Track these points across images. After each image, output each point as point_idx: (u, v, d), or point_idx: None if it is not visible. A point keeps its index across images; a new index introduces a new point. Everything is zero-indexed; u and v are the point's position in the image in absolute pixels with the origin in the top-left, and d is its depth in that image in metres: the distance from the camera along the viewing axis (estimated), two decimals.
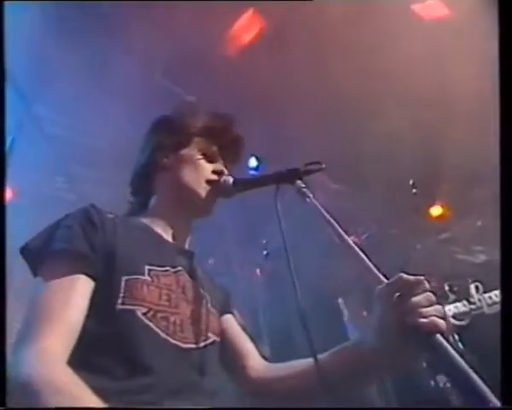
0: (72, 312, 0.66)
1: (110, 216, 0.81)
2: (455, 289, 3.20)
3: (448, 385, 2.85)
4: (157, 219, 0.91)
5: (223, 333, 0.89)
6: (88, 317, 0.68)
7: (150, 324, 0.70)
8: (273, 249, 3.98)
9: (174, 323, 0.73)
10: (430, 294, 0.57)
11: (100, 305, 0.69)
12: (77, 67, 2.61)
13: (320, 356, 0.67)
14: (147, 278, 0.74)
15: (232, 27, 2.98)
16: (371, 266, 0.64)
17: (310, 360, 0.75)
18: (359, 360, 0.70)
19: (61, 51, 2.53)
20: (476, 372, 0.48)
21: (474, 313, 3.20)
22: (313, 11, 2.68)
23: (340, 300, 3.28)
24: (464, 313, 3.13)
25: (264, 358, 0.90)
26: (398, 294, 0.59)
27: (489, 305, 3.24)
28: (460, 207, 4.16)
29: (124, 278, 0.72)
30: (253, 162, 3.27)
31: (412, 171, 3.74)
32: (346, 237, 0.69)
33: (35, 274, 0.73)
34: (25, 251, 0.75)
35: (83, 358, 0.65)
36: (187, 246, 0.95)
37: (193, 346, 0.75)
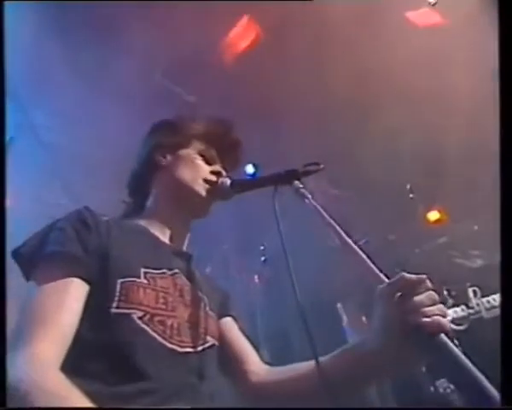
0: (65, 316, 0.65)
1: (104, 218, 0.80)
2: (453, 293, 3.20)
3: (448, 391, 2.84)
4: (154, 221, 0.90)
5: (222, 336, 0.88)
6: (82, 321, 0.67)
7: (146, 328, 0.68)
8: (271, 256, 3.97)
9: (171, 327, 0.72)
10: (432, 292, 0.56)
11: (94, 309, 0.68)
12: (75, 71, 2.60)
13: (321, 359, 0.66)
14: (143, 280, 0.73)
15: (232, 28, 3.00)
16: (372, 266, 0.63)
17: (311, 363, 0.74)
18: (361, 361, 0.69)
19: (58, 55, 2.53)
20: (482, 372, 0.47)
21: (472, 317, 3.20)
22: (311, 12, 2.70)
23: (338, 305, 3.26)
24: (463, 318, 3.12)
25: (265, 362, 0.88)
26: (399, 293, 0.58)
27: (487, 309, 3.24)
28: (457, 212, 4.17)
29: (119, 281, 0.70)
30: (250, 169, 3.28)
31: (410, 176, 3.76)
32: (346, 237, 0.68)
33: (27, 278, 0.71)
34: (17, 255, 0.73)
35: (76, 363, 0.63)
36: (185, 248, 0.93)
37: (191, 350, 0.73)
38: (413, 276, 0.57)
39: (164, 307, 0.73)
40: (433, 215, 4.45)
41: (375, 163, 3.43)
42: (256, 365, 0.87)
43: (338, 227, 0.70)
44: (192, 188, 0.90)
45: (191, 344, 0.74)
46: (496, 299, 3.25)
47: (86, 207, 0.79)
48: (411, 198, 4.08)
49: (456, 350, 0.50)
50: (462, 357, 0.49)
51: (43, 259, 0.69)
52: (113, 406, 0.59)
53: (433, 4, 3.17)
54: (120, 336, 0.67)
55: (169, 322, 0.72)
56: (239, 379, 0.86)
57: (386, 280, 0.61)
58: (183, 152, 0.95)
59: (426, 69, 2.98)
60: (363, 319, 3.12)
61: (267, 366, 0.87)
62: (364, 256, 0.64)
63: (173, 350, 0.70)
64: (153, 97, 2.70)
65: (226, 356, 0.87)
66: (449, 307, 3.09)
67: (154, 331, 0.69)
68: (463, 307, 3.24)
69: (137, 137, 1.04)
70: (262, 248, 4.17)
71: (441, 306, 0.56)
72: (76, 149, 2.99)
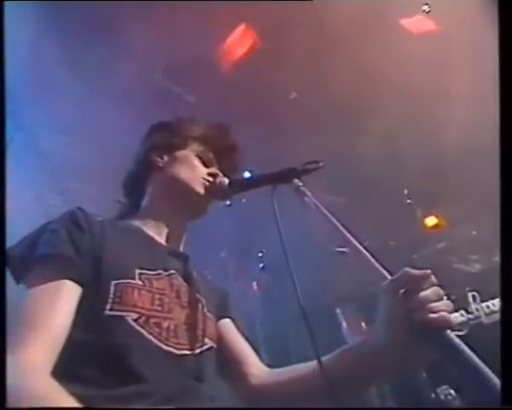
0: (57, 318, 0.63)
1: (98, 219, 0.78)
2: (452, 298, 3.18)
3: (449, 397, 2.81)
4: (149, 221, 0.88)
5: (220, 338, 0.85)
6: (75, 324, 0.64)
7: (142, 330, 0.66)
8: (269, 262, 3.95)
9: (167, 329, 0.69)
10: (438, 288, 0.55)
11: (87, 311, 0.66)
12: (73, 71, 2.60)
13: (323, 358, 0.64)
14: (138, 282, 0.71)
15: (233, 29, 3.02)
16: (374, 262, 0.61)
17: (311, 364, 0.72)
18: (365, 359, 0.67)
19: (57, 55, 2.52)
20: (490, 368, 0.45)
21: (472, 322, 3.18)
22: (310, 14, 2.72)
23: (338, 310, 3.24)
24: (462, 324, 3.10)
25: (265, 364, 0.86)
26: (403, 290, 0.56)
27: (487, 314, 3.23)
28: (455, 217, 4.18)
29: (113, 283, 0.68)
30: (247, 175, 3.27)
31: (408, 180, 3.77)
32: (347, 234, 0.67)
33: (17, 281, 0.69)
34: (7, 258, 0.70)
35: (69, 367, 0.61)
36: (181, 249, 0.91)
37: (188, 352, 0.71)
38: (417, 271, 0.56)
39: (160, 308, 0.71)
40: (431, 221, 4.45)
41: (374, 168, 3.44)
42: (256, 367, 0.84)
43: (339, 224, 0.69)
44: (190, 186, 0.88)
45: (188, 347, 0.72)
46: (495, 304, 3.24)
47: (79, 208, 0.77)
48: (409, 204, 4.09)
49: (464, 346, 0.49)
50: (470, 353, 0.48)
51: (34, 261, 0.67)
52: (107, 409, 0.57)
53: (427, 12, 3.22)
54: (114, 339, 0.64)
55: (165, 324, 0.70)
56: (239, 382, 0.83)
57: (389, 277, 0.59)
58: (180, 153, 0.94)
59: (424, 73, 3.01)
60: (363, 324, 3.09)
61: (267, 368, 0.85)
62: (367, 253, 0.63)
63: (170, 353, 0.68)
64: (152, 98, 2.70)
65: (225, 358, 0.85)
66: None
67: (150, 334, 0.67)
68: (463, 312, 3.23)
69: (136, 138, 1.03)
70: (260, 255, 4.15)
71: (447, 301, 0.54)
72: (76, 149, 2.98)
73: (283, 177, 0.81)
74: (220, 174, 0.93)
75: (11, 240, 0.71)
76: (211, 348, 0.79)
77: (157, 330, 0.68)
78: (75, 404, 0.54)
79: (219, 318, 0.89)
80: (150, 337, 0.67)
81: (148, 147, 0.96)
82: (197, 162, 0.93)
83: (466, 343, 0.50)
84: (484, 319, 3.23)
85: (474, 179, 3.43)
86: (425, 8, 3.20)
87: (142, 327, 0.67)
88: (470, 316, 3.24)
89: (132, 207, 0.95)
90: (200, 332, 0.77)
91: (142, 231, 0.85)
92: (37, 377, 0.57)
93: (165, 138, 0.96)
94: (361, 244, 0.64)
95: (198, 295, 0.83)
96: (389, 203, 3.82)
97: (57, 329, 0.62)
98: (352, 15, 2.76)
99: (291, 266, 0.67)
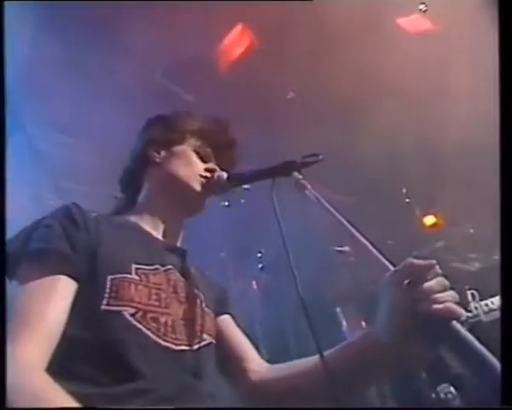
0: (51, 314, 0.61)
1: (93, 214, 0.77)
2: None
3: (450, 396, 2.80)
4: (146, 216, 0.87)
5: (219, 334, 0.84)
6: (70, 320, 0.63)
7: (139, 325, 0.65)
8: (268, 263, 3.94)
9: (165, 324, 0.68)
10: (443, 278, 0.53)
11: (83, 307, 0.64)
12: (73, 71, 2.59)
13: (325, 353, 0.63)
14: (134, 276, 0.69)
15: (232, 28, 3.02)
16: (377, 253, 0.60)
17: (312, 359, 0.71)
18: (368, 353, 0.65)
19: (56, 55, 2.51)
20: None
21: (471, 320, 3.17)
22: (309, 14, 2.72)
23: (338, 309, 3.22)
24: (462, 322, 3.09)
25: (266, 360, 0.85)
26: (407, 280, 0.55)
27: (486, 312, 3.22)
28: (453, 215, 4.18)
29: (109, 278, 0.67)
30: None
31: (407, 179, 3.77)
32: (348, 225, 0.66)
33: (9, 278, 0.67)
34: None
35: (65, 364, 0.59)
36: (179, 244, 0.90)
37: (186, 348, 0.70)
38: (421, 261, 0.54)
39: (157, 303, 0.70)
40: (429, 220, 4.45)
41: (372, 167, 3.43)
42: (256, 362, 0.83)
43: (341, 217, 0.68)
44: (186, 183, 0.87)
45: (187, 342, 0.70)
46: (494, 302, 3.23)
47: (74, 204, 0.76)
48: (407, 203, 4.09)
49: (471, 337, 0.47)
50: (478, 344, 0.46)
51: (28, 257, 0.66)
52: (104, 407, 0.56)
53: (424, 11, 3.23)
54: (111, 334, 0.63)
55: (163, 319, 0.68)
56: (239, 378, 0.82)
57: (392, 268, 0.58)
58: (178, 148, 0.92)
59: (423, 71, 3.01)
60: (363, 323, 3.08)
61: (267, 364, 0.83)
62: (369, 245, 0.62)
63: (168, 348, 0.67)
64: (151, 97, 2.69)
65: (225, 354, 0.83)
66: None
67: (148, 329, 0.66)
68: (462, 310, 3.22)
69: (136, 137, 1.02)
70: (259, 255, 4.14)
71: (452, 292, 0.53)
72: (75, 150, 2.96)
73: (283, 170, 0.80)
74: (218, 169, 0.91)
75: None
76: (209, 343, 0.77)
77: (154, 325, 0.67)
78: (71, 401, 0.53)
79: (218, 314, 0.88)
80: (148, 333, 0.65)
81: (145, 142, 0.95)
82: (195, 158, 0.91)
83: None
84: (483, 318, 3.22)
85: (473, 178, 3.43)
86: (421, 7, 3.21)
87: (140, 322, 0.65)
88: (469, 314, 3.24)
89: (129, 203, 0.94)
90: (198, 328, 0.75)
91: (139, 227, 0.84)
92: (31, 373, 0.55)
93: (162, 133, 0.94)
94: (363, 236, 0.63)
95: (196, 291, 0.81)
96: (387, 202, 3.82)
97: (52, 324, 0.61)
98: (349, 15, 2.76)
99: (291, 259, 0.66)
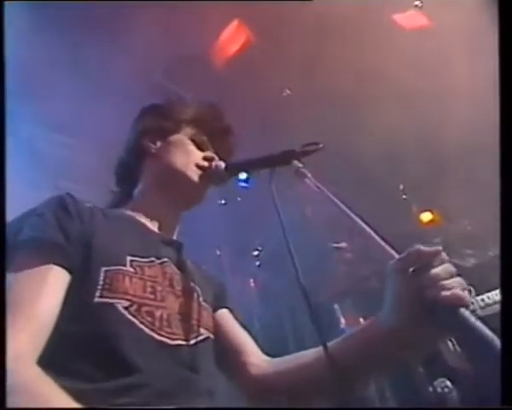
0: (43, 306, 0.58)
1: (88, 205, 0.74)
2: None
3: (446, 390, 2.81)
4: (142, 208, 0.84)
5: (217, 329, 0.81)
6: (62, 313, 0.60)
7: (133, 319, 0.63)
8: (265, 260, 3.93)
9: (160, 318, 0.66)
10: (449, 265, 0.52)
11: (76, 300, 0.62)
12: (70, 70, 2.56)
13: (329, 344, 0.61)
14: (129, 269, 0.67)
15: (231, 25, 2.99)
16: (381, 241, 0.58)
17: (315, 351, 0.69)
18: (374, 342, 0.63)
19: (55, 55, 2.48)
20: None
21: None
22: (304, 12, 2.71)
23: (335, 306, 3.22)
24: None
25: (266, 354, 0.82)
26: (413, 268, 0.53)
27: (482, 308, 3.24)
28: (450, 212, 4.19)
29: (103, 269, 0.64)
30: (242, 175, 3.24)
31: (404, 175, 3.76)
32: (352, 214, 0.64)
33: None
34: None
35: (56, 359, 0.57)
36: (175, 237, 0.87)
37: (182, 343, 0.67)
38: (427, 248, 0.53)
39: (152, 296, 0.67)
40: (426, 216, 4.46)
41: (369, 164, 3.42)
42: (256, 356, 0.80)
43: (343, 205, 0.66)
44: (184, 173, 0.84)
45: (183, 337, 0.68)
46: (490, 297, 3.25)
47: (68, 194, 0.73)
48: (404, 199, 4.09)
49: (480, 324, 0.46)
50: (487, 331, 0.45)
51: (19, 246, 0.63)
52: (97, 402, 0.53)
53: (420, 7, 3.22)
54: (104, 328, 0.61)
55: (158, 313, 0.66)
56: (238, 372, 0.79)
57: (397, 256, 0.56)
58: (174, 138, 0.90)
59: (421, 69, 3.00)
60: (361, 320, 3.08)
61: (267, 358, 0.81)
62: (373, 233, 0.60)
63: (163, 343, 0.64)
64: (150, 97, 2.67)
65: (224, 349, 0.81)
66: None
67: (142, 323, 0.63)
68: None
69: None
70: (256, 253, 4.12)
71: (459, 278, 0.51)
72: (75, 150, 2.93)
73: (282, 158, 0.78)
74: (216, 158, 0.89)
75: None
76: (207, 338, 0.75)
77: (149, 319, 0.64)
78: (64, 395, 0.51)
79: (216, 308, 0.86)
80: (142, 326, 0.63)
81: (139, 132, 0.92)
82: (191, 146, 0.89)
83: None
84: (479, 312, 3.24)
85: (470, 174, 3.43)
86: (417, 3, 3.20)
87: (134, 316, 0.63)
88: None
89: (124, 196, 0.91)
90: (195, 322, 0.73)
91: (134, 219, 0.81)
92: (23, 366, 0.53)
93: (156, 122, 0.92)
94: (367, 224, 0.61)
95: (192, 284, 0.79)
96: (385, 199, 3.81)
97: (43, 317, 0.58)
98: (346, 11, 2.75)
99: (291, 247, 0.64)
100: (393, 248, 0.57)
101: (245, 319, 0.91)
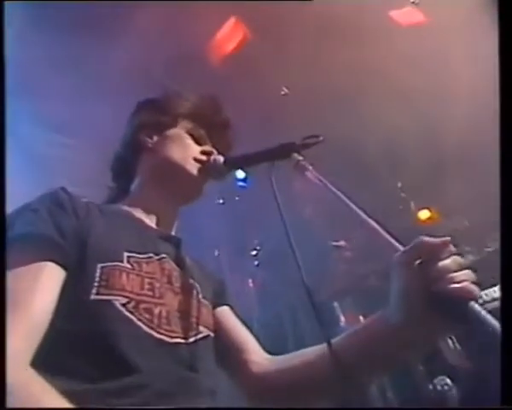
0: (37, 303, 0.56)
1: (83, 200, 0.72)
2: None
3: (446, 388, 2.80)
4: (139, 204, 0.82)
5: (218, 327, 0.80)
6: (57, 311, 0.58)
7: (131, 316, 0.61)
8: (264, 260, 3.91)
9: (159, 315, 0.64)
10: (458, 257, 0.50)
11: (71, 297, 0.59)
12: (69, 76, 2.54)
13: (332, 341, 0.59)
14: (126, 265, 0.65)
15: (228, 23, 2.98)
16: (384, 233, 0.56)
17: (318, 348, 0.67)
18: (380, 337, 0.61)
19: (51, 59, 2.46)
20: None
21: None
22: (302, 11, 2.70)
23: (335, 304, 3.21)
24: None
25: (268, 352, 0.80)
26: (419, 260, 0.52)
27: (480, 304, 3.24)
28: (447, 209, 4.19)
29: (99, 266, 0.62)
30: (240, 174, 3.22)
31: (402, 173, 3.76)
32: (353, 206, 0.62)
33: None
34: None
35: (51, 359, 0.54)
36: (173, 232, 0.85)
37: (181, 341, 0.65)
38: (434, 239, 0.51)
39: (150, 293, 0.65)
40: (424, 214, 4.46)
41: (367, 161, 3.42)
42: (257, 354, 0.79)
43: (345, 198, 0.64)
44: (183, 167, 0.82)
45: (182, 335, 0.66)
46: (488, 294, 3.26)
47: (63, 188, 0.71)
48: (403, 197, 4.09)
49: (490, 318, 0.44)
50: (498, 324, 0.43)
51: (12, 242, 0.60)
52: (94, 403, 0.51)
53: (416, 3, 3.21)
54: (101, 325, 0.58)
55: (156, 310, 0.64)
56: (239, 370, 0.77)
57: (401, 248, 0.54)
58: (171, 132, 0.88)
59: (421, 67, 3.00)
60: (361, 318, 3.07)
61: (269, 355, 0.79)
62: (376, 225, 0.58)
63: (161, 341, 0.62)
64: (146, 95, 2.66)
65: (224, 347, 0.79)
66: None
67: (140, 320, 0.61)
68: None
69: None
70: (254, 252, 4.11)
71: (468, 271, 0.49)
72: (75, 150, 2.90)
73: (281, 152, 0.76)
74: (214, 152, 0.87)
75: None
76: (206, 336, 0.73)
77: (147, 316, 0.62)
78: (56, 394, 0.49)
79: (216, 305, 0.84)
80: (140, 324, 0.61)
81: (135, 127, 0.91)
82: (189, 140, 0.87)
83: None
84: None
85: (467, 171, 3.43)
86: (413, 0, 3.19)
87: (132, 313, 0.61)
88: None
89: (121, 192, 0.89)
90: (194, 320, 0.71)
91: (131, 214, 0.79)
92: (17, 366, 0.51)
93: (153, 117, 0.90)
94: (370, 217, 0.60)
95: (191, 281, 0.77)
96: (383, 197, 3.80)
97: (37, 314, 0.56)
98: (344, 10, 2.74)
99: (293, 243, 0.62)
100: (398, 240, 0.56)
101: (244, 319, 0.89)
